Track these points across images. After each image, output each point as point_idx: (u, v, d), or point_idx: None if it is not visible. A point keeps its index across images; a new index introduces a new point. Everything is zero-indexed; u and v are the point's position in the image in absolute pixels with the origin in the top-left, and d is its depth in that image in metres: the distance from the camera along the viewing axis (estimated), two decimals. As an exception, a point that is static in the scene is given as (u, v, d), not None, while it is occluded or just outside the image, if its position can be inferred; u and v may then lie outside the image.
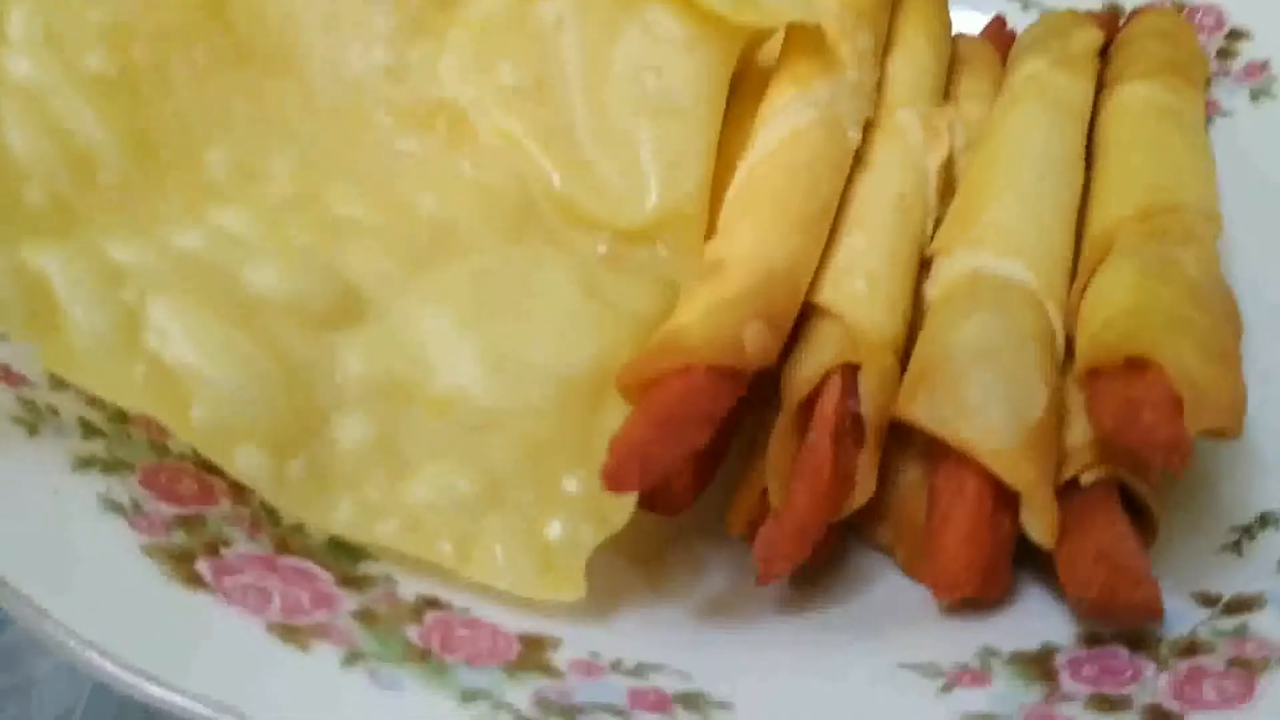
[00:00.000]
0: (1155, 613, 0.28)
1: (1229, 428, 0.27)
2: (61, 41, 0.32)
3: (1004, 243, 0.35)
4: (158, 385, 0.28)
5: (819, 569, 0.34)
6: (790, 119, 0.38)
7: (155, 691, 0.23)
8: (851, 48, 0.41)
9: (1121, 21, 0.51)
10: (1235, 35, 0.50)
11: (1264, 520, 0.33)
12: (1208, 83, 0.49)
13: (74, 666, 0.25)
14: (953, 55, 0.48)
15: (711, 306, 0.32)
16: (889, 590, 0.34)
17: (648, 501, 0.34)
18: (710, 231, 0.37)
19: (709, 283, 0.33)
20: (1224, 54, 0.50)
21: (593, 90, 0.39)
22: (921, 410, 0.32)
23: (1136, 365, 0.28)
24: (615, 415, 0.31)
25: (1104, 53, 0.48)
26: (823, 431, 0.33)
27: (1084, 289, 0.34)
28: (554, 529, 0.31)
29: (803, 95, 0.39)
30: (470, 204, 0.36)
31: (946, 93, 0.46)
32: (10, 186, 0.29)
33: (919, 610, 0.31)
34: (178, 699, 0.23)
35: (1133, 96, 0.43)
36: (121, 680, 0.24)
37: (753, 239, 0.35)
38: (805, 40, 0.40)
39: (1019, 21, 0.53)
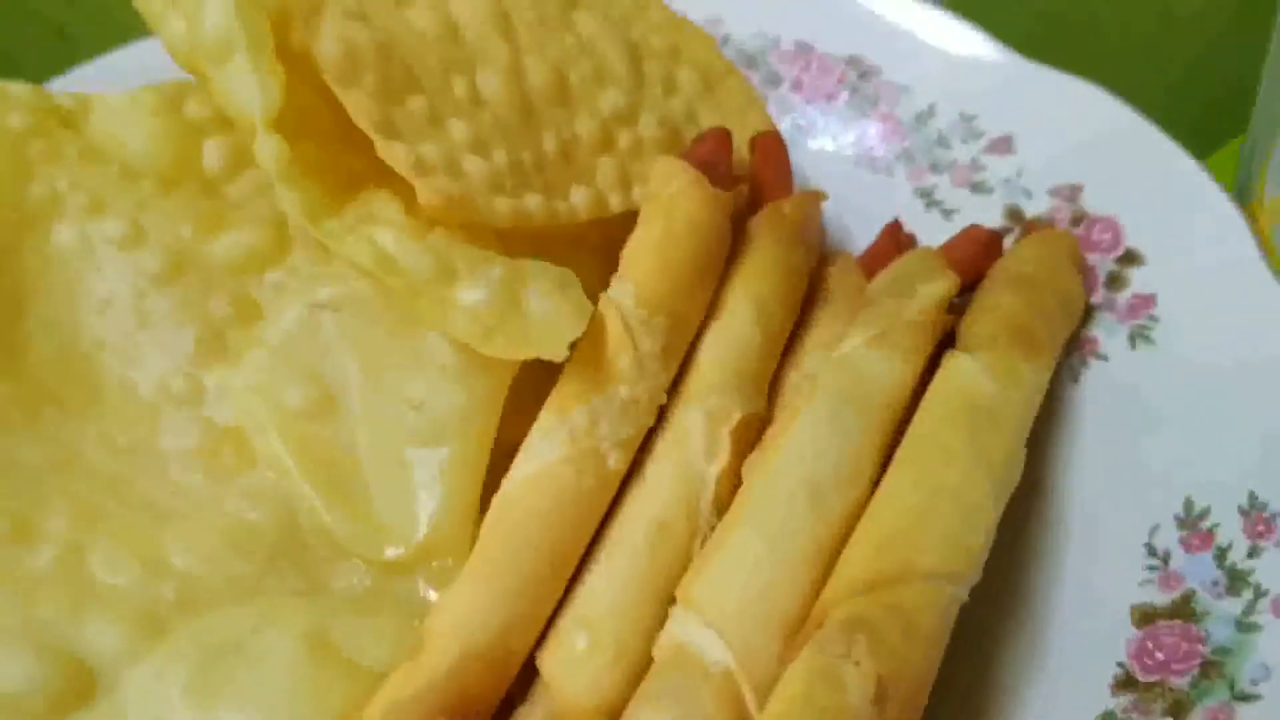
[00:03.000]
0: None
1: None
2: None
3: (714, 608, 0.35)
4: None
5: None
6: (540, 454, 0.38)
7: None
8: (632, 356, 0.40)
9: (1012, 238, 0.49)
10: (1129, 258, 0.47)
11: None
12: (1087, 317, 0.46)
13: None
14: (816, 288, 0.47)
15: (393, 704, 0.34)
16: None
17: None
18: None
19: (407, 666, 0.35)
20: (1114, 281, 0.47)
21: (369, 412, 0.41)
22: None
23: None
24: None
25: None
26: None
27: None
28: None
29: (561, 422, 0.39)
30: (225, 550, 0.38)
31: (790, 346, 0.46)
32: None
33: None
34: None
35: (950, 381, 0.41)
36: None
37: (462, 607, 0.36)
38: (582, 347, 0.40)
39: (920, 224, 0.51)
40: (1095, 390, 0.45)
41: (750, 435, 0.42)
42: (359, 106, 0.40)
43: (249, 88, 0.38)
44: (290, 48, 0.41)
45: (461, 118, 0.43)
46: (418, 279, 0.39)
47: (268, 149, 0.37)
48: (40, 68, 0.57)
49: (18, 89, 0.45)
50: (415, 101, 0.42)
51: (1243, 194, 0.49)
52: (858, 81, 0.55)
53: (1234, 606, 0.37)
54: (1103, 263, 0.47)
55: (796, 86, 0.56)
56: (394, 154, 0.40)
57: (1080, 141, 0.49)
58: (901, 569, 0.35)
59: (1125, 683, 0.37)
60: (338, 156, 0.42)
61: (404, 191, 0.41)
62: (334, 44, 0.40)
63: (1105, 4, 0.69)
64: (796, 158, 0.53)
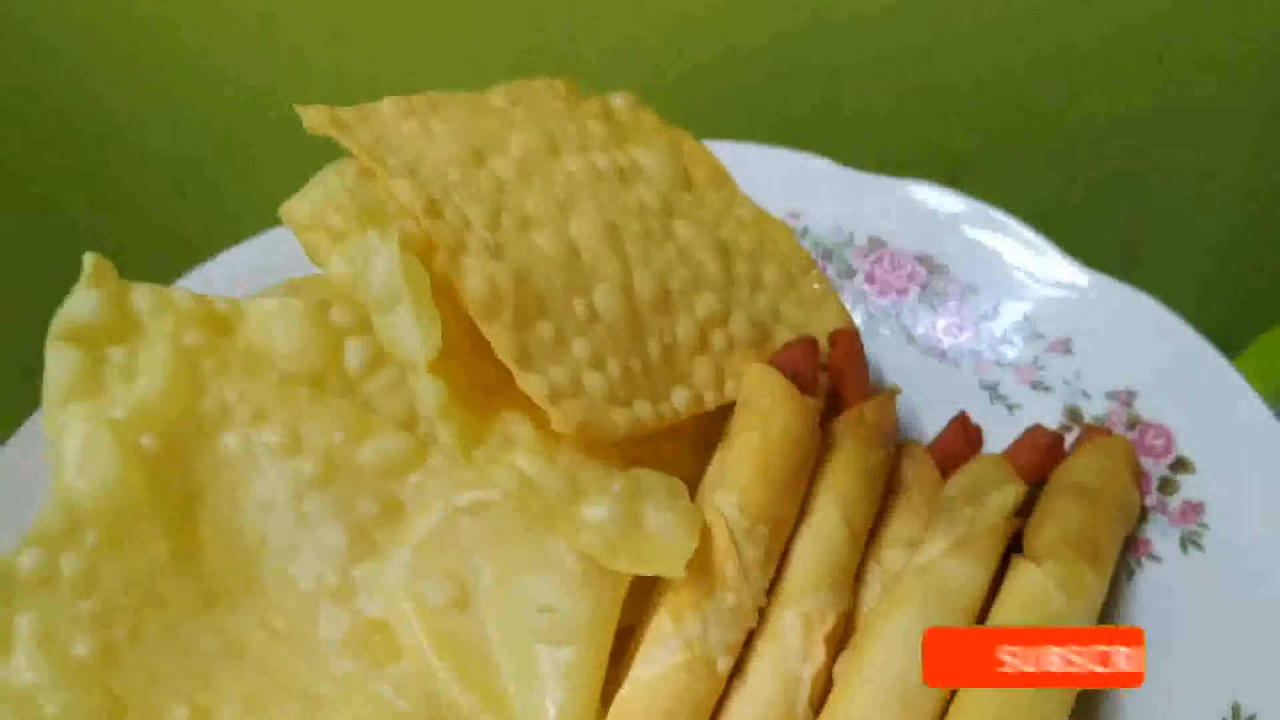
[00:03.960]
0: None
1: None
2: (55, 639, 0.42)
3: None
4: None
5: None
6: (658, 659, 0.43)
7: None
8: (737, 565, 0.45)
9: (1071, 436, 0.54)
10: (1180, 465, 0.51)
11: None
12: (1142, 519, 0.51)
13: None
14: (893, 480, 0.52)
15: None
16: None
17: None
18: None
19: None
20: (1165, 486, 0.51)
21: (502, 612, 0.46)
22: None
23: None
24: None
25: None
26: None
27: None
28: None
29: (676, 630, 0.44)
30: (381, 738, 0.43)
31: (871, 536, 0.51)
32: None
33: None
34: None
35: (1022, 593, 0.46)
36: None
37: (594, 807, 0.41)
38: (691, 562, 0.45)
39: (985, 416, 0.56)
40: (1148, 590, 0.49)
41: (839, 628, 0.46)
42: (500, 341, 0.45)
43: (410, 332, 0.43)
44: (430, 270, 0.46)
45: (582, 335, 0.49)
46: (552, 499, 0.44)
47: (429, 391, 0.43)
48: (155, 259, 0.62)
49: (183, 297, 0.50)
50: (544, 326, 0.48)
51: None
52: (927, 278, 0.60)
53: (1281, 818, 0.41)
54: (1156, 467, 0.52)
55: (869, 279, 0.61)
56: (531, 386, 0.45)
57: (1135, 350, 0.54)
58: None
59: None
60: (472, 365, 0.48)
61: (531, 405, 0.47)
62: (479, 283, 0.46)
63: (1153, 172, 0.75)
64: (869, 344, 0.58)
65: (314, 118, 0.49)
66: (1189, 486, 0.51)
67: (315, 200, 0.47)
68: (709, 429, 0.53)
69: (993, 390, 0.57)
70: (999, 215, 0.59)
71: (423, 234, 0.46)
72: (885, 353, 0.60)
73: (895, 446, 0.54)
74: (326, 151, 0.52)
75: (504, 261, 0.48)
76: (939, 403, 0.57)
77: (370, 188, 0.47)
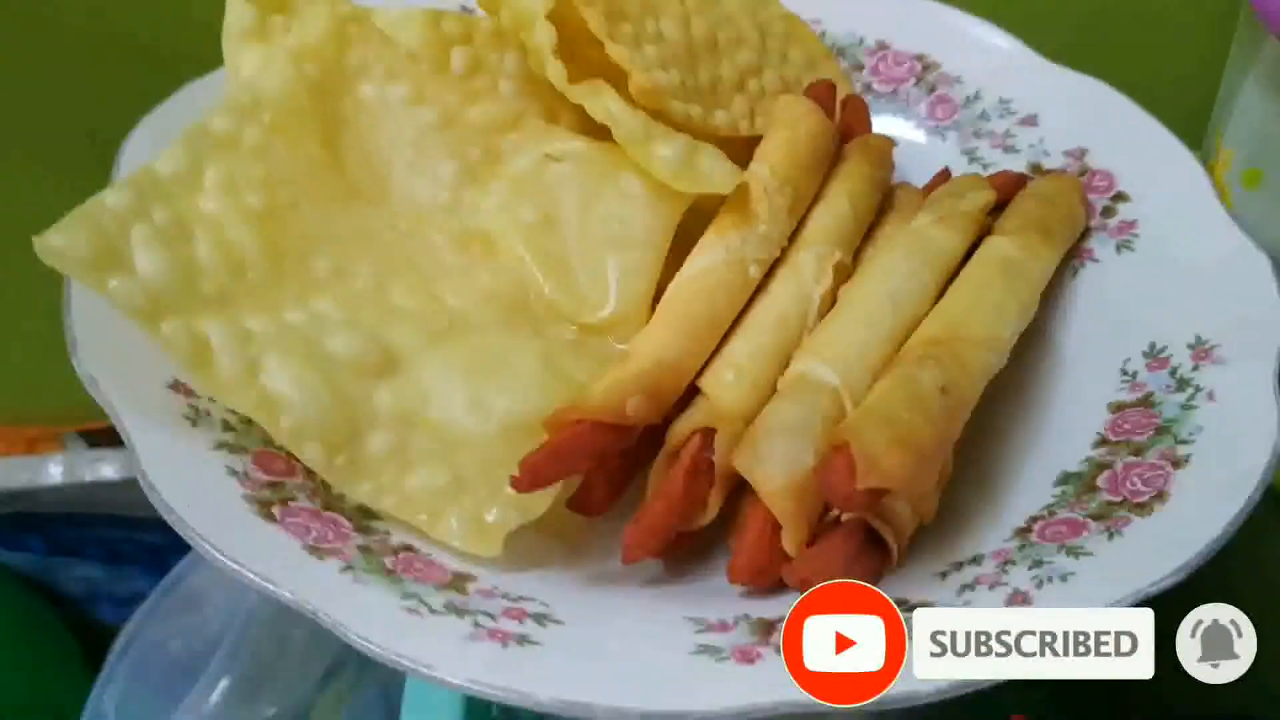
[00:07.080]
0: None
1: (892, 489, 0.43)
2: (235, 187, 0.53)
3: (827, 354, 0.51)
4: (265, 404, 0.48)
5: (685, 559, 0.51)
6: (707, 257, 0.55)
7: (233, 568, 0.42)
8: (768, 206, 0.57)
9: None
10: (1119, 197, 0.64)
11: (974, 560, 0.47)
12: (1085, 236, 0.64)
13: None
14: (887, 202, 0.65)
15: (611, 382, 0.50)
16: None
17: (576, 505, 0.52)
18: (650, 327, 0.55)
19: (618, 366, 0.51)
20: (1106, 212, 0.64)
21: (581, 228, 0.57)
22: (738, 460, 0.48)
23: (842, 446, 0.44)
24: (544, 447, 0.49)
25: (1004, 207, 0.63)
26: (678, 471, 0.50)
27: (873, 388, 0.50)
28: (492, 513, 0.49)
29: (720, 240, 0.56)
30: (482, 301, 0.55)
31: (870, 234, 0.63)
32: (194, 282, 0.49)
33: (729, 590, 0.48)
34: (247, 575, 0.43)
35: (990, 248, 0.58)
36: (221, 563, 0.43)
37: (654, 339, 0.52)
38: (734, 198, 0.57)
39: (963, 172, 0.68)
40: (1090, 281, 0.62)
41: (843, 276, 0.58)
42: (595, 22, 0.58)
43: (533, -9, 0.55)
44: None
45: (652, 44, 0.61)
46: (632, 134, 0.56)
47: (544, 33, 0.55)
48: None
49: (323, -8, 0.62)
50: (625, 27, 0.60)
51: (1205, 155, 0.67)
52: (922, 72, 0.73)
53: (1180, 397, 0.53)
54: (1099, 200, 0.65)
55: (875, 72, 0.74)
56: (618, 53, 0.57)
57: (1087, 119, 0.67)
58: (958, 335, 0.51)
59: (1102, 442, 0.53)
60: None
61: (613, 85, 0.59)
62: (578, -20, 0.58)
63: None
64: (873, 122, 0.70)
65: None
66: (1125, 211, 0.63)
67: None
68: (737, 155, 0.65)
69: (971, 154, 0.70)
70: (985, 23, 0.72)
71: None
72: (884, 129, 0.72)
73: (891, 185, 0.66)
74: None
75: (596, -25, 0.60)
76: (928, 163, 0.69)
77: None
